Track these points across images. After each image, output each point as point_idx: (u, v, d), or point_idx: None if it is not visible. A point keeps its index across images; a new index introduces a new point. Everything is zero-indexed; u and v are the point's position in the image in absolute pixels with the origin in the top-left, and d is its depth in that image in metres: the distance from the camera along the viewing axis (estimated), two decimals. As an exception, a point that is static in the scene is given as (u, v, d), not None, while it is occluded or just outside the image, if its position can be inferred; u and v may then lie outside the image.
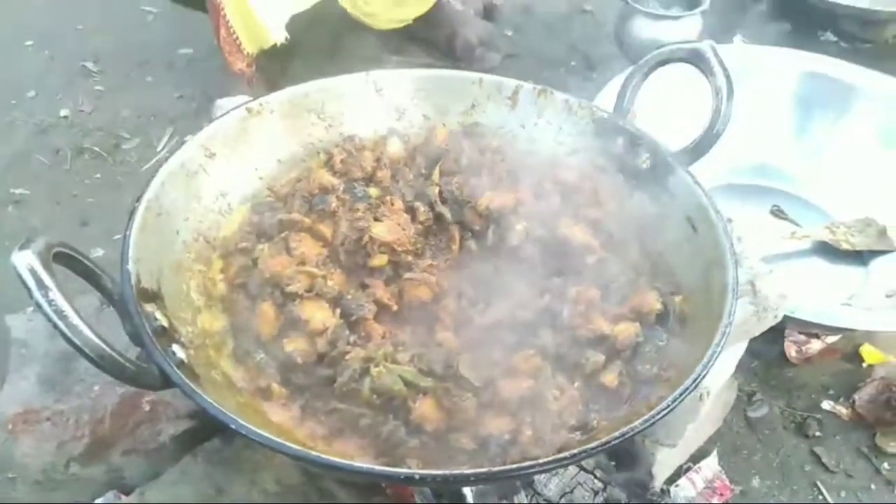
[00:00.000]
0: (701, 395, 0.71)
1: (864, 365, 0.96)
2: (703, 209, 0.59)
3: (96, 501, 0.58)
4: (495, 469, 0.44)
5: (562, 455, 0.44)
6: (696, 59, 0.62)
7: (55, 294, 0.40)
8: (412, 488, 0.62)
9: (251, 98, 0.82)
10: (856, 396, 0.92)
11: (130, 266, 0.49)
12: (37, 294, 0.40)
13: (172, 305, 0.51)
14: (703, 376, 0.47)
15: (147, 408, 0.58)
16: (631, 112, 0.67)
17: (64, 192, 1.24)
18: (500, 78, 0.68)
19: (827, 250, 1.09)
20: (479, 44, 1.48)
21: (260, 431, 0.42)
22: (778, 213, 1.17)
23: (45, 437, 0.56)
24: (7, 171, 1.28)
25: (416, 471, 0.43)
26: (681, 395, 0.45)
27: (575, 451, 0.43)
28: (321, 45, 1.36)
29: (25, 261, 0.41)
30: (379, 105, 0.68)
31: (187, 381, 0.43)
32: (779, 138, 1.19)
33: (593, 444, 0.44)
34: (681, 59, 0.63)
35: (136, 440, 0.57)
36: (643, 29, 1.42)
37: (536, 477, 0.69)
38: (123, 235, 0.53)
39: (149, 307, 0.48)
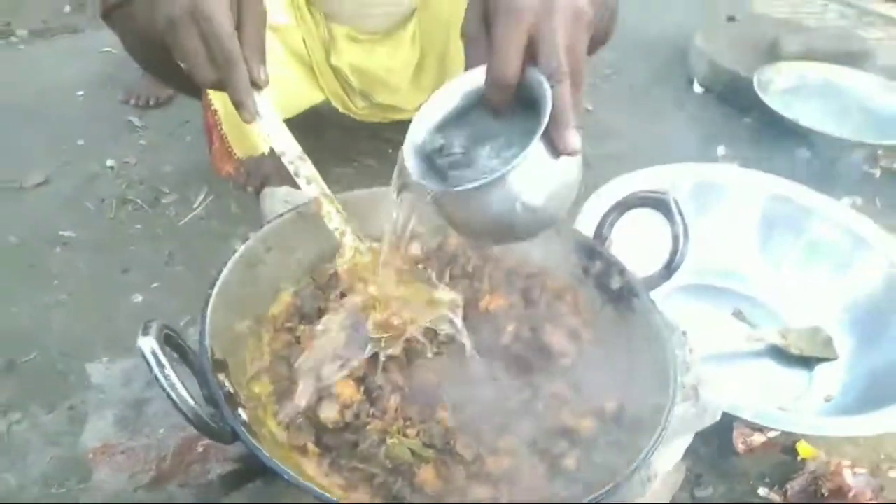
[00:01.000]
0: (649, 477, 0.84)
1: (799, 458, 1.10)
2: (656, 329, 0.74)
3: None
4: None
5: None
6: (660, 206, 0.78)
7: (169, 371, 0.54)
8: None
9: (293, 188, 0.99)
10: (788, 486, 1.06)
11: (207, 342, 0.63)
12: (156, 371, 0.54)
13: (235, 373, 0.66)
14: (635, 471, 0.61)
15: (200, 450, 0.71)
16: (608, 241, 0.83)
17: (107, 238, 1.38)
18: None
19: (779, 353, 1.24)
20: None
21: (303, 480, 0.56)
22: (739, 315, 1.32)
23: (119, 468, 0.69)
24: (58, 213, 1.43)
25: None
26: (615, 486, 0.59)
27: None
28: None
29: (149, 345, 0.55)
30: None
31: (251, 439, 0.57)
32: (745, 249, 1.35)
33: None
34: (648, 205, 0.79)
35: (189, 476, 0.71)
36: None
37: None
38: (201, 315, 0.67)
39: (221, 376, 0.62)
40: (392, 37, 1.38)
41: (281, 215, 0.80)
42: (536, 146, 0.55)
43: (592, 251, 0.82)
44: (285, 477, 0.55)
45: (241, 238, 1.35)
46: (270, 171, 1.41)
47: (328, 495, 0.57)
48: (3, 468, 0.99)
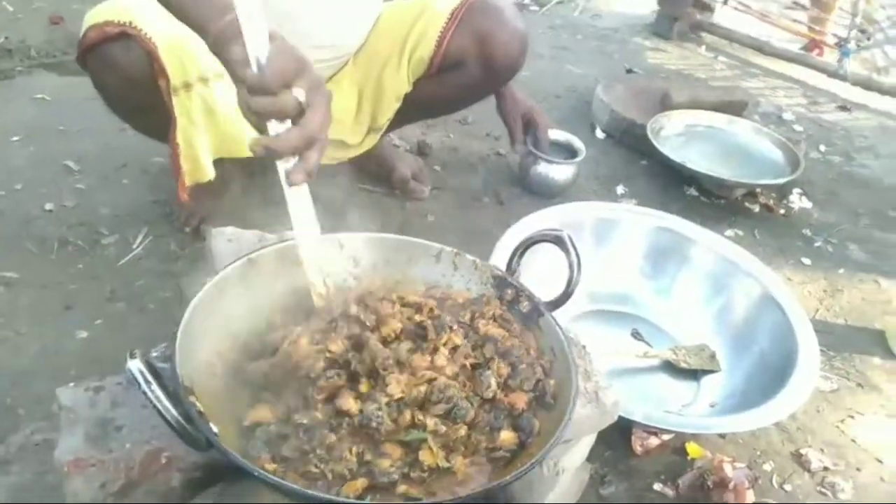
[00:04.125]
0: (558, 472, 0.99)
1: (689, 458, 1.27)
2: (559, 342, 0.89)
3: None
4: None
5: (438, 500, 0.70)
6: (557, 242, 0.94)
7: (155, 387, 0.65)
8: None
9: (240, 229, 1.10)
10: (679, 481, 1.22)
11: (178, 370, 0.73)
12: (144, 387, 0.64)
13: (202, 396, 0.75)
14: (543, 458, 0.74)
15: (164, 461, 0.80)
16: (517, 272, 0.98)
17: (50, 278, 1.44)
18: (429, 243, 0.97)
19: (671, 368, 1.42)
20: (412, 177, 1.80)
21: (269, 475, 0.67)
22: (636, 335, 1.50)
23: (91, 479, 0.78)
24: (1, 249, 1.48)
25: (349, 500, 0.68)
26: (526, 469, 0.72)
27: (453, 499, 0.70)
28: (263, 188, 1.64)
29: (136, 366, 0.65)
30: (341, 256, 0.96)
31: (223, 445, 0.67)
32: (636, 276, 1.54)
33: (466, 493, 0.71)
34: (548, 240, 0.95)
35: (154, 483, 0.80)
36: (539, 169, 1.81)
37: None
38: (172, 350, 0.76)
39: (192, 398, 0.71)
40: (333, 82, 1.54)
41: (231, 263, 0.89)
42: None
43: (504, 281, 0.96)
44: (255, 474, 0.65)
45: (178, 275, 1.46)
46: (211, 206, 1.51)
47: (296, 486, 0.68)
48: (-46, 499, 1.04)
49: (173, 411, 0.65)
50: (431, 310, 0.91)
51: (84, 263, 1.49)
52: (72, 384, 0.88)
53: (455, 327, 0.89)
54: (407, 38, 1.50)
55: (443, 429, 0.79)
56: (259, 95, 0.72)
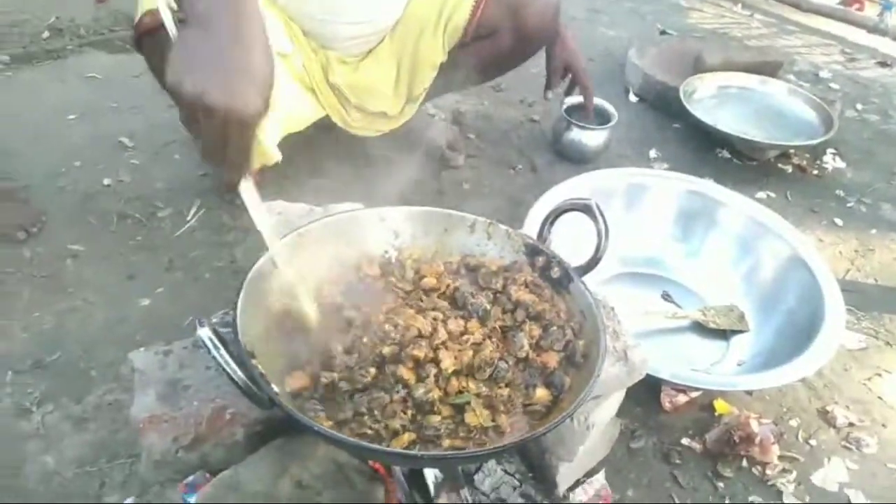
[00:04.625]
0: (588, 426, 1.06)
1: (716, 414, 1.33)
2: (588, 305, 0.95)
3: (189, 477, 0.89)
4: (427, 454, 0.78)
5: (478, 450, 0.78)
6: (586, 210, 0.99)
7: (223, 352, 0.73)
8: (393, 479, 0.95)
9: (287, 202, 1.17)
10: (707, 436, 1.29)
11: (241, 338, 0.81)
12: (214, 352, 0.72)
13: (261, 360, 0.83)
14: (573, 413, 0.81)
15: (228, 417, 0.90)
16: (548, 239, 1.04)
17: (112, 250, 1.55)
18: (464, 214, 1.04)
19: (700, 328, 1.47)
20: (448, 146, 1.86)
21: (325, 428, 0.75)
22: (666, 297, 1.55)
23: (165, 433, 0.87)
24: (64, 229, 1.59)
25: (401, 451, 0.77)
26: (556, 423, 0.79)
27: (488, 448, 0.78)
28: (310, 161, 1.72)
29: (206, 334, 0.73)
30: (383, 229, 1.03)
31: (286, 404, 0.76)
32: (667, 239, 1.58)
33: (502, 444, 0.78)
34: (577, 209, 1.00)
35: (220, 437, 0.89)
36: (572, 136, 1.85)
37: (476, 477, 1.03)
38: (233, 318, 0.83)
39: (254, 361, 0.80)
40: (372, 55, 1.61)
41: (285, 235, 0.96)
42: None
43: (536, 249, 1.03)
44: (315, 428, 0.73)
45: (231, 245, 1.55)
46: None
47: (351, 439, 0.76)
48: (40, 452, 1.16)
49: (240, 373, 0.73)
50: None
51: (142, 235, 1.59)
52: (142, 349, 0.97)
53: (481, 295, 0.97)
54: (442, 7, 1.55)
55: (485, 391, 0.87)
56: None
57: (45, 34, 2.48)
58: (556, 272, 1.01)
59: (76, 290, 1.44)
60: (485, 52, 1.61)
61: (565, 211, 1.02)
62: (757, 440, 1.27)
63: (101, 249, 1.55)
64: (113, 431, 1.20)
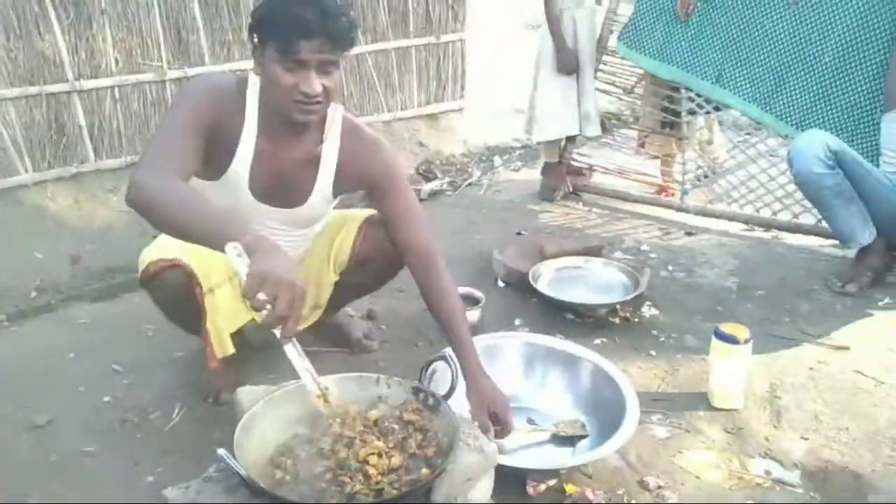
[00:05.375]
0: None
1: (566, 493, 1.91)
2: (450, 418, 1.57)
3: None
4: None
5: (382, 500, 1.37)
6: (446, 359, 1.65)
7: (234, 462, 1.31)
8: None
9: (252, 386, 1.79)
10: (560, 510, 1.86)
11: (244, 473, 1.39)
12: (230, 461, 1.30)
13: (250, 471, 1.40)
14: (442, 469, 1.41)
15: (234, 518, 1.44)
16: (427, 381, 1.68)
17: (118, 447, 2.07)
18: (371, 374, 1.68)
19: (555, 438, 2.09)
20: (364, 337, 2.52)
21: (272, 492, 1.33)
22: (531, 421, 2.17)
23: None
24: (79, 434, 2.10)
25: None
26: (432, 477, 1.39)
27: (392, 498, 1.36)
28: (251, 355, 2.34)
29: (224, 452, 1.32)
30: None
31: (255, 479, 1.33)
32: (521, 380, 2.24)
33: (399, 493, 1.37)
34: (441, 359, 1.66)
35: None
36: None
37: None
38: (231, 455, 1.42)
39: (240, 464, 1.37)
40: None
41: (256, 405, 1.57)
42: None
43: (417, 388, 1.66)
44: (260, 485, 1.31)
45: (211, 430, 2.10)
46: (229, 379, 2.17)
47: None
48: None
49: (243, 473, 1.31)
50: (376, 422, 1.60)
51: (140, 433, 2.13)
52: (171, 487, 1.52)
53: (396, 427, 1.58)
54: (331, 247, 2.23)
55: (392, 477, 1.47)
56: (245, 299, 1.37)
57: (33, 294, 3.10)
58: (430, 400, 1.64)
59: (89, 482, 1.95)
60: (364, 273, 2.24)
61: (433, 361, 1.68)
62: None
63: (109, 447, 2.06)
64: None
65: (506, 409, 1.87)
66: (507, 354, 2.26)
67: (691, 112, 3.79)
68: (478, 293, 2.68)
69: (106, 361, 2.48)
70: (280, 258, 1.34)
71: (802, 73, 3.38)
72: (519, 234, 3.61)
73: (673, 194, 4.09)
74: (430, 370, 1.70)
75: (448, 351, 1.66)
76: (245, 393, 1.77)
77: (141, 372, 2.42)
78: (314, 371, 1.49)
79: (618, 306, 2.82)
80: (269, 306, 1.30)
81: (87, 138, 3.71)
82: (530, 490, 1.91)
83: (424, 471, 1.49)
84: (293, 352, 1.42)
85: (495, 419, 1.84)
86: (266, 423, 1.53)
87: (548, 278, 2.93)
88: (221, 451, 1.33)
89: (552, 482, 1.93)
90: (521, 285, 2.95)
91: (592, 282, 2.95)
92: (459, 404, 1.65)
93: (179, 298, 2.00)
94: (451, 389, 1.62)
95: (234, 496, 1.44)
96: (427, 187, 4.35)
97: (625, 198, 4.08)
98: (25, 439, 2.08)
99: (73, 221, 3.50)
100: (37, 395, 2.28)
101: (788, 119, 3.46)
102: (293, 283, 1.30)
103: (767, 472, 1.99)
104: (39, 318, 2.83)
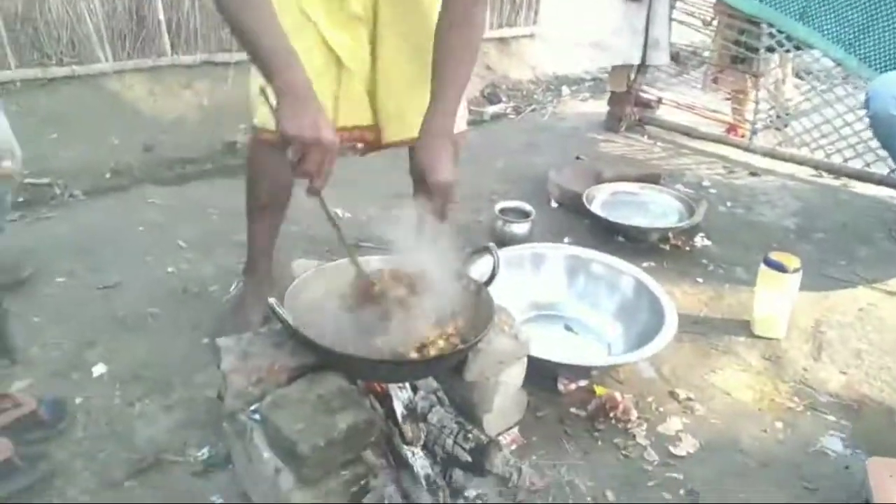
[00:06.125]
0: (497, 383, 1.70)
1: (596, 395, 1.96)
2: (489, 301, 1.63)
3: (254, 405, 1.53)
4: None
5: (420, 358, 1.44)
6: (489, 251, 1.70)
7: (281, 310, 1.41)
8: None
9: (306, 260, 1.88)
10: (588, 407, 1.92)
11: (291, 321, 1.49)
12: (277, 309, 1.40)
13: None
14: (473, 346, 1.48)
15: (277, 367, 1.54)
16: (468, 269, 1.74)
17: (179, 312, 2.22)
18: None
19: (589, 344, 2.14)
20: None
21: (313, 339, 1.42)
22: (568, 328, 2.23)
23: (241, 376, 1.52)
24: (141, 297, 2.26)
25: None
26: (470, 345, 1.46)
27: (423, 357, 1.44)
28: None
29: (272, 301, 1.41)
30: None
31: (302, 332, 1.42)
32: (561, 289, 2.28)
33: (432, 356, 1.45)
34: (485, 250, 1.71)
35: (273, 380, 1.54)
36: (504, 227, 2.60)
37: (428, 415, 1.66)
38: (282, 307, 1.52)
39: (289, 318, 1.47)
40: None
41: (309, 271, 1.66)
42: None
43: (461, 274, 1.72)
44: (309, 338, 1.40)
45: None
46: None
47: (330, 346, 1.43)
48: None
49: (289, 319, 1.41)
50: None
51: (199, 302, 2.27)
52: (223, 337, 1.63)
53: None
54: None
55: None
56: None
57: (108, 174, 3.27)
58: (472, 286, 1.70)
59: (156, 342, 2.10)
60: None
61: (476, 252, 1.74)
62: (621, 407, 1.91)
63: (171, 312, 2.22)
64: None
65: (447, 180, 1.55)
66: (551, 263, 2.30)
67: (769, 49, 3.63)
68: (528, 206, 2.71)
69: (172, 237, 2.63)
70: (307, 113, 1.30)
71: (894, 14, 3.19)
72: (578, 158, 3.59)
73: (743, 135, 3.98)
74: (470, 258, 1.76)
75: (491, 244, 1.70)
76: (299, 265, 1.86)
77: (203, 249, 2.56)
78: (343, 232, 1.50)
79: (670, 233, 2.80)
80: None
81: (164, 33, 3.82)
82: (561, 387, 1.97)
83: (461, 346, 1.55)
84: (323, 201, 1.39)
85: (437, 190, 1.54)
86: (315, 287, 1.62)
87: (602, 200, 2.93)
88: (272, 300, 1.42)
89: (583, 382, 1.99)
90: (574, 206, 2.96)
91: (647, 208, 2.94)
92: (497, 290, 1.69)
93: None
94: (492, 276, 1.67)
95: (281, 349, 1.55)
96: (490, 109, 4.35)
97: (690, 133, 4.00)
98: (96, 296, 2.25)
99: (148, 111, 3.64)
100: (108, 260, 2.45)
101: (873, 62, 3.29)
102: (318, 141, 1.28)
103: (800, 398, 2.00)
104: (113, 196, 3.00)
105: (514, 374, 1.78)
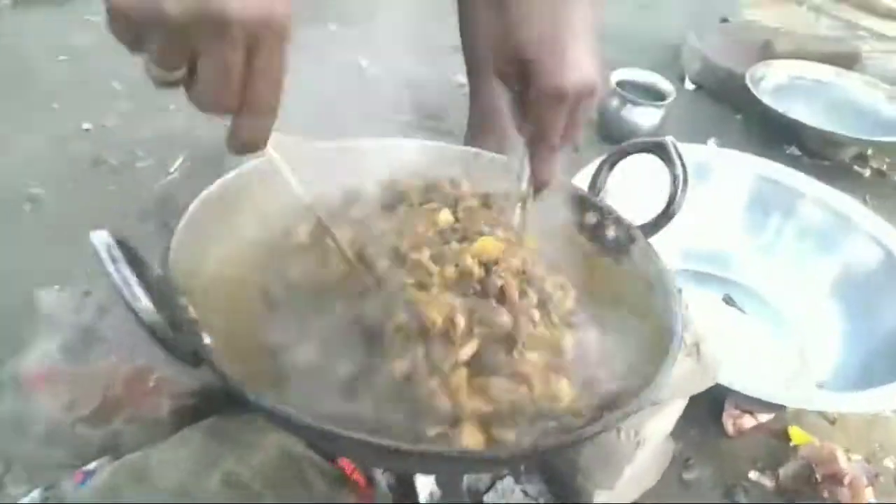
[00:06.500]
0: (639, 442, 0.80)
1: (791, 444, 1.06)
2: (659, 274, 0.70)
3: (93, 464, 0.65)
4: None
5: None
6: (659, 150, 0.75)
7: (123, 266, 0.49)
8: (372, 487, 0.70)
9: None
10: (780, 471, 1.02)
11: (172, 265, 0.58)
12: (109, 266, 0.49)
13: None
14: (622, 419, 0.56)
15: (152, 383, 0.66)
16: (602, 191, 0.79)
17: (78, 197, 1.33)
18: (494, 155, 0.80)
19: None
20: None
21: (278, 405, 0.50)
22: (729, 301, 1.29)
23: (58, 395, 0.64)
24: (24, 169, 1.37)
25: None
26: (598, 427, 0.54)
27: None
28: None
29: (101, 239, 0.50)
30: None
31: (216, 358, 0.51)
32: (732, 232, 1.32)
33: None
34: (647, 150, 0.76)
35: (138, 409, 0.65)
36: (623, 112, 1.62)
37: (486, 497, 0.77)
38: (167, 242, 0.61)
39: (184, 300, 0.56)
40: None
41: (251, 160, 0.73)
42: None
43: (585, 203, 0.78)
44: (259, 403, 0.49)
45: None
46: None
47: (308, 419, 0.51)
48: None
49: (146, 302, 0.49)
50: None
51: (116, 185, 1.37)
52: (57, 286, 0.74)
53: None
54: None
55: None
56: None
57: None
58: (611, 232, 0.76)
59: (33, 238, 1.22)
60: None
61: (629, 153, 0.78)
62: (846, 480, 1.00)
63: (65, 196, 1.33)
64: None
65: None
66: (721, 184, 1.32)
67: None
68: (665, 83, 1.69)
69: (104, 77, 1.70)
70: None
71: None
72: (725, 20, 2.49)
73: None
74: (612, 169, 0.80)
75: (669, 138, 0.76)
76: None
77: (147, 98, 1.64)
78: None
79: (870, 150, 1.79)
80: None
81: None
82: (729, 425, 1.07)
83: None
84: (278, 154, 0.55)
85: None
86: (234, 223, 0.70)
87: (774, 85, 1.88)
88: (96, 239, 0.51)
89: (766, 417, 1.08)
90: (723, 91, 1.95)
91: (842, 106, 1.89)
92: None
93: None
94: (668, 216, 0.74)
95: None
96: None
97: (873, 8, 2.84)
98: None
99: None
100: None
101: None
102: (268, 22, 0.44)
103: None
104: (42, 8, 2.04)
105: (668, 419, 0.88)
